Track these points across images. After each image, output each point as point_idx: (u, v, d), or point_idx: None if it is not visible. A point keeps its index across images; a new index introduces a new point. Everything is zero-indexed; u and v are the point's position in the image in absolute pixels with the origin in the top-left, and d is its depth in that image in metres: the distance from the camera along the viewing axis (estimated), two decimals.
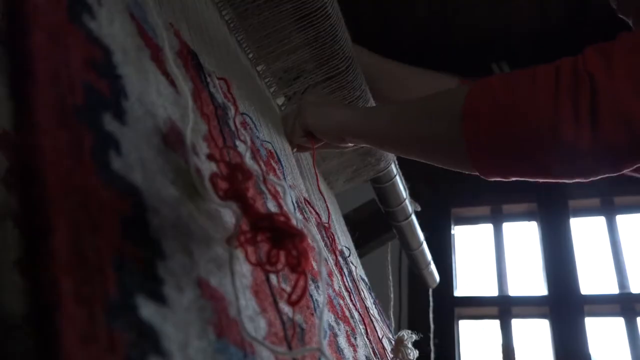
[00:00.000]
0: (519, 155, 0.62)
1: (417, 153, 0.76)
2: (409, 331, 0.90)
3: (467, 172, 0.70)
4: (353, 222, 1.32)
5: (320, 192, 0.92)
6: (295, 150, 0.90)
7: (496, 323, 2.58)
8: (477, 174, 0.67)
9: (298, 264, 0.35)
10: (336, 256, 0.83)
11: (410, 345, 0.87)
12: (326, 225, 0.86)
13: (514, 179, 0.67)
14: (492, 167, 0.66)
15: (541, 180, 0.67)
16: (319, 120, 0.83)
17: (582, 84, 0.57)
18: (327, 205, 0.91)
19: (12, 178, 0.61)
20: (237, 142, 0.55)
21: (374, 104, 0.99)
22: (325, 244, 0.82)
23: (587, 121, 0.57)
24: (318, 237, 0.73)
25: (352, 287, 0.85)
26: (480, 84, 0.65)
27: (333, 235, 0.88)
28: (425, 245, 1.47)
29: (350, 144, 0.86)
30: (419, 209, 1.42)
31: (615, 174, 0.64)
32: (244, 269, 0.40)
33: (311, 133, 0.85)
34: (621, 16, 0.80)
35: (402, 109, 0.78)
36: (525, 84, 0.61)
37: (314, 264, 0.54)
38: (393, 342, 0.91)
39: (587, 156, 0.58)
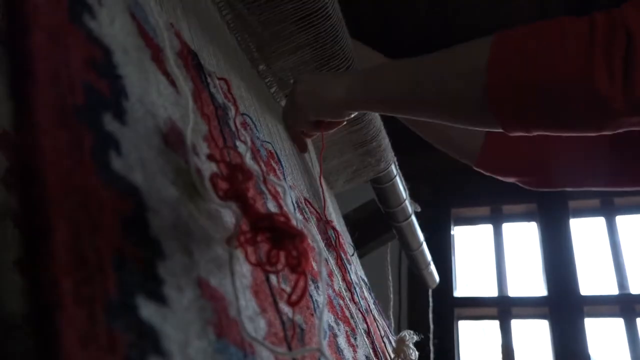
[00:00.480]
0: (547, 107, 0.60)
1: (433, 115, 0.72)
2: (411, 331, 0.90)
3: (487, 129, 0.67)
4: (353, 222, 1.32)
5: (321, 186, 0.92)
6: (300, 139, 0.89)
7: (496, 323, 2.59)
8: (500, 128, 0.64)
9: (298, 265, 0.35)
10: (338, 254, 0.83)
11: (411, 346, 0.87)
12: (330, 220, 0.86)
13: (536, 133, 0.64)
14: (516, 120, 0.63)
15: (565, 134, 0.65)
16: (318, 103, 0.80)
17: (618, 37, 0.55)
18: (324, 196, 0.91)
19: (12, 178, 0.61)
20: (238, 143, 0.55)
21: None
22: (329, 242, 0.82)
23: (621, 74, 0.55)
24: (318, 237, 0.73)
25: (356, 285, 0.85)
26: (506, 32, 0.62)
27: (338, 232, 0.88)
28: (425, 246, 1.47)
29: (355, 113, 0.84)
30: (418, 209, 1.42)
31: None
32: (244, 269, 0.40)
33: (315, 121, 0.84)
34: None
35: (411, 68, 0.72)
36: (556, 34, 0.58)
37: (314, 264, 0.54)
38: (393, 343, 0.91)
39: (618, 109, 0.56)
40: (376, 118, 1.09)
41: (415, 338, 0.90)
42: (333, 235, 0.85)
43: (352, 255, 0.98)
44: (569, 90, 0.57)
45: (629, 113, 0.57)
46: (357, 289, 0.88)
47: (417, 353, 0.92)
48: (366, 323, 0.81)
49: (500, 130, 0.65)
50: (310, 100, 0.81)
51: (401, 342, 0.87)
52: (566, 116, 0.60)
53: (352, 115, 0.84)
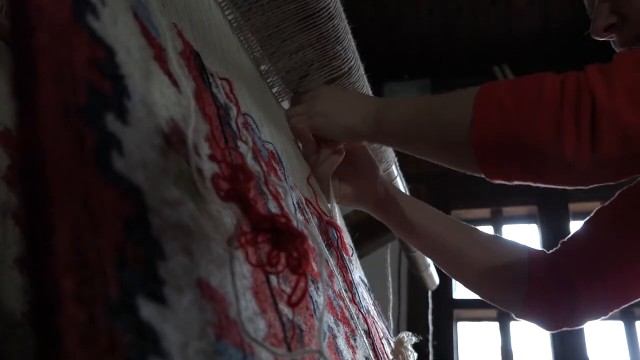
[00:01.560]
0: (522, 163, 0.66)
1: (430, 156, 0.79)
2: (409, 333, 0.90)
3: (475, 174, 0.73)
4: (353, 223, 1.32)
5: (309, 184, 0.91)
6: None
7: (495, 325, 2.59)
8: (484, 175, 0.71)
9: (298, 266, 0.35)
10: (339, 254, 0.83)
11: (410, 347, 0.87)
12: (334, 224, 0.86)
13: (517, 182, 0.70)
14: (496, 172, 0.69)
15: (542, 185, 0.71)
16: (330, 124, 0.84)
17: (584, 101, 0.60)
18: (316, 197, 0.90)
19: (13, 175, 0.61)
20: (239, 143, 0.55)
21: None
22: (331, 243, 0.81)
23: (588, 138, 0.60)
24: (319, 238, 0.73)
25: (357, 285, 0.85)
26: (487, 91, 0.68)
27: (340, 231, 0.88)
28: None
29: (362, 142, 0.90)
30: None
31: (613, 183, 0.67)
32: (245, 270, 0.40)
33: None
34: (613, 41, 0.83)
35: (414, 115, 0.78)
36: (532, 96, 0.64)
37: (314, 265, 0.54)
38: (392, 344, 0.91)
39: (586, 169, 0.62)
40: None
41: (414, 339, 0.90)
42: (335, 234, 0.85)
43: (352, 255, 0.98)
44: (541, 149, 0.63)
45: (597, 172, 0.63)
46: (358, 289, 0.88)
47: (415, 354, 0.92)
48: (366, 324, 0.81)
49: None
50: (324, 118, 0.85)
51: (400, 343, 0.87)
52: (540, 171, 0.66)
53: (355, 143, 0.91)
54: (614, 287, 0.84)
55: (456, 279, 1.02)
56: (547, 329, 0.93)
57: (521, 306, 0.90)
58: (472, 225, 0.96)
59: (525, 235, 2.86)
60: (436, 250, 0.96)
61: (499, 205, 2.83)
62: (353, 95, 0.89)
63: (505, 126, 0.64)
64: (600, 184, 0.66)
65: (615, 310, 0.87)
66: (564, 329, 0.91)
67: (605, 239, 0.86)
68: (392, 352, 0.89)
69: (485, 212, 2.89)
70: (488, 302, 0.97)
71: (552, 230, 2.65)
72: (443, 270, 1.01)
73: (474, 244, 0.93)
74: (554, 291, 0.88)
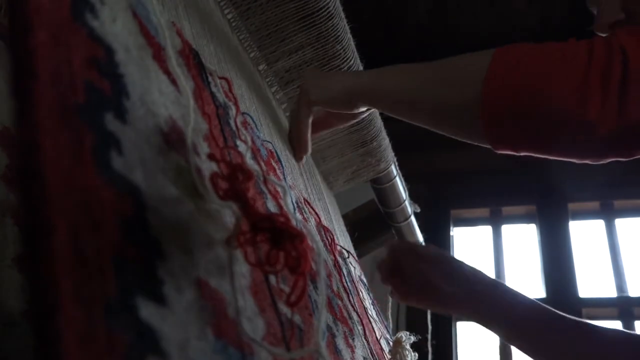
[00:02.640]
0: (538, 128, 0.60)
1: (427, 119, 0.72)
2: (407, 332, 0.90)
3: (475, 143, 0.67)
4: (352, 223, 1.32)
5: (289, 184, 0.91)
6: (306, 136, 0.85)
7: None
8: (488, 143, 0.65)
9: (297, 265, 0.35)
10: (335, 256, 0.83)
11: (408, 347, 0.87)
12: (325, 226, 0.86)
13: (524, 153, 0.64)
14: (504, 138, 0.63)
15: (550, 158, 0.65)
16: (323, 89, 0.79)
17: (615, 62, 0.56)
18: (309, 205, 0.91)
19: (12, 174, 0.61)
20: (238, 142, 0.55)
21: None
22: (325, 244, 0.82)
23: (616, 100, 0.55)
24: (317, 237, 0.73)
25: (350, 288, 0.85)
26: (507, 48, 0.63)
27: (332, 235, 0.88)
28: None
29: (361, 109, 0.81)
30: (418, 210, 1.42)
31: (625, 159, 0.62)
32: (244, 270, 0.40)
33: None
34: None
35: (418, 71, 0.73)
36: (556, 55, 0.59)
37: (313, 264, 0.54)
38: (391, 343, 0.91)
39: (608, 135, 0.57)
40: (376, 118, 1.09)
41: (412, 339, 0.90)
42: (328, 238, 0.85)
43: (348, 257, 0.98)
44: (562, 110, 0.57)
45: (616, 141, 0.58)
46: (357, 289, 0.88)
47: (414, 354, 0.92)
48: (362, 324, 0.81)
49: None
50: (316, 85, 0.79)
51: (398, 343, 0.87)
52: (554, 140, 0.61)
53: (357, 112, 0.82)
54: None
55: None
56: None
57: None
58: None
59: (524, 234, 2.86)
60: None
61: (498, 205, 2.82)
62: (338, 71, 0.87)
63: (524, 83, 0.59)
64: (611, 159, 0.61)
65: None
66: None
67: None
68: (390, 352, 0.89)
69: (484, 212, 2.89)
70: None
71: (551, 230, 2.66)
72: None
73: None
74: None
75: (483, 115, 0.61)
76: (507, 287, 0.79)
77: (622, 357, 0.73)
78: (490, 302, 0.76)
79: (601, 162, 0.62)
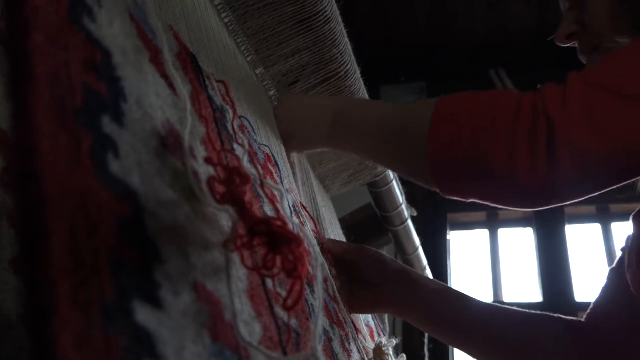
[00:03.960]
0: (477, 185, 0.66)
1: (387, 163, 0.80)
2: (389, 338, 0.87)
3: (430, 188, 0.72)
4: (349, 226, 1.32)
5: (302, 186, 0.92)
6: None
7: None
8: (438, 190, 0.69)
9: (294, 269, 0.35)
10: (331, 260, 0.83)
11: (390, 352, 0.84)
12: (318, 231, 0.86)
13: (471, 200, 0.69)
14: (451, 189, 0.69)
15: (501, 207, 0.70)
16: (297, 137, 0.84)
17: (540, 122, 0.59)
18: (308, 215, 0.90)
19: (9, 176, 0.61)
20: (235, 146, 0.55)
21: None
22: (321, 248, 0.81)
23: (544, 160, 0.59)
24: (314, 241, 0.73)
25: None
26: (444, 107, 0.67)
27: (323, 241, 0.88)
28: (421, 250, 1.47)
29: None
30: (415, 213, 1.42)
31: (563, 204, 0.67)
32: (240, 273, 0.40)
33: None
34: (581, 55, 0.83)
35: (375, 123, 0.77)
36: (486, 117, 0.63)
37: (310, 268, 0.54)
38: (371, 353, 0.86)
39: (543, 190, 0.61)
40: None
41: (394, 342, 0.87)
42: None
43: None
44: (494, 172, 0.62)
45: (553, 190, 0.61)
46: None
47: (403, 357, 0.90)
48: (355, 328, 0.81)
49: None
50: (292, 135, 0.84)
51: (378, 350, 0.82)
52: (495, 194, 0.66)
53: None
54: None
55: None
56: None
57: None
58: (496, 305, 0.89)
59: (520, 238, 2.86)
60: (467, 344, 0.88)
61: (495, 209, 2.83)
62: (309, 101, 0.88)
63: (459, 146, 0.63)
64: (549, 206, 0.66)
65: None
66: None
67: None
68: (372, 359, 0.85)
69: (481, 216, 2.89)
70: None
71: (548, 234, 2.66)
72: None
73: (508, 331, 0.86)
74: None
75: (431, 168, 0.66)
76: (417, 274, 0.89)
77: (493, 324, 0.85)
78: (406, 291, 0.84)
79: (542, 208, 0.67)
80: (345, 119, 0.79)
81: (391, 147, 0.74)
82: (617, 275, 0.86)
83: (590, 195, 0.66)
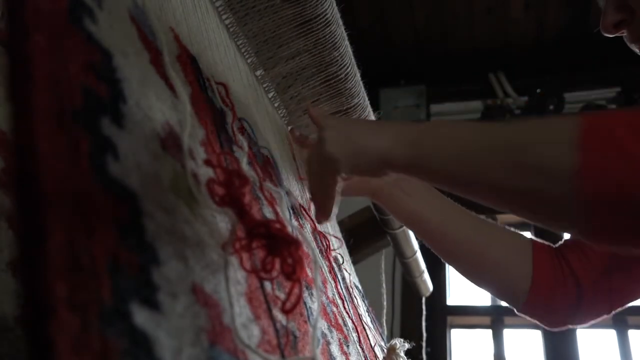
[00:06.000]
0: None
1: (496, 203, 0.60)
2: (402, 340, 0.89)
3: (564, 232, 0.61)
4: (348, 229, 1.32)
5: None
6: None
7: (488, 332, 2.58)
8: (586, 238, 0.55)
9: (293, 272, 0.35)
10: (330, 262, 0.83)
11: (402, 354, 0.87)
12: (321, 232, 0.86)
13: (619, 247, 0.56)
14: (607, 234, 0.53)
15: None
16: (355, 159, 0.63)
17: None
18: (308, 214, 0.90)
19: (6, 177, 0.61)
20: (235, 148, 0.55)
21: (371, 113, 0.98)
22: (320, 250, 0.81)
23: None
24: (313, 244, 0.73)
25: (345, 294, 0.85)
26: (596, 126, 0.51)
27: (328, 241, 0.88)
28: (419, 254, 1.47)
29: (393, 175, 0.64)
30: None
31: None
32: (239, 276, 0.40)
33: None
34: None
35: (475, 144, 0.58)
36: None
37: (308, 271, 0.54)
38: (385, 351, 0.91)
39: None
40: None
41: (407, 346, 0.90)
42: (323, 244, 0.85)
43: (342, 263, 0.98)
44: None
45: None
46: (352, 295, 0.88)
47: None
48: (357, 331, 0.81)
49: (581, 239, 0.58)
50: (343, 150, 0.64)
51: (392, 350, 0.86)
52: None
53: (390, 178, 0.65)
54: (620, 285, 0.79)
55: (456, 267, 0.92)
56: (548, 325, 0.88)
57: (524, 298, 0.85)
58: (472, 213, 0.91)
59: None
60: (435, 239, 0.91)
61: (494, 213, 2.82)
62: (366, 120, 0.80)
63: (632, 177, 0.48)
64: None
65: (617, 310, 0.82)
66: (565, 327, 0.87)
67: None
68: (384, 359, 0.88)
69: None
70: (489, 291, 0.94)
71: (547, 238, 2.65)
72: (444, 260, 0.92)
73: (475, 232, 0.89)
74: (560, 285, 0.83)
75: (586, 213, 0.51)
76: None
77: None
78: None
79: None
80: (430, 139, 0.61)
81: (504, 182, 0.55)
82: None
83: None
